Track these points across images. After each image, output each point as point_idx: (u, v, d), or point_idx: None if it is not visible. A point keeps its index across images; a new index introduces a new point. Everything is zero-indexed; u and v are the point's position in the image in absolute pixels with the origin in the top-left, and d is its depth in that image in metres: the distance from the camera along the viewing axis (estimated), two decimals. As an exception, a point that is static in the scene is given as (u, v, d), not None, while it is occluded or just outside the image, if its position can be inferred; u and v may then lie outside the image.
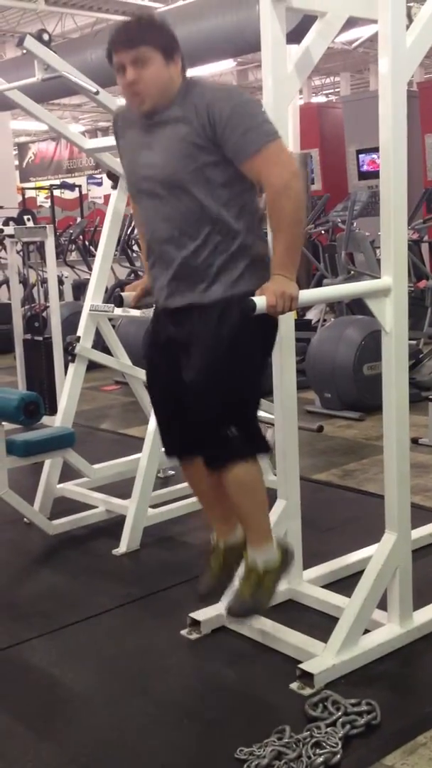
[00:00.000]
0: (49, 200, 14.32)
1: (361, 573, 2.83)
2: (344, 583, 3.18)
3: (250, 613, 2.68)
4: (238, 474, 2.52)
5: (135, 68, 2.33)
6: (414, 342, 6.31)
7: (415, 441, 4.77)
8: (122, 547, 3.78)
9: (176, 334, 2.56)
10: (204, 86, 2.41)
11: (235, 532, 2.76)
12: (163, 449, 2.86)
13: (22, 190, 16.23)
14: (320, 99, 21.88)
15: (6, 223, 6.57)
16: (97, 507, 4.18)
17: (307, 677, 2.60)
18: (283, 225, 2.36)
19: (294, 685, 2.61)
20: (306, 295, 2.64)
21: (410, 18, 2.69)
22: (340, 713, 2.41)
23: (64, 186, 13.69)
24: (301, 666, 2.64)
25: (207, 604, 2.89)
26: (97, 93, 3.50)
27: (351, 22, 3.09)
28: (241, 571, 2.71)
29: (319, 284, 7.59)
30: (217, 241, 2.44)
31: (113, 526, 3.99)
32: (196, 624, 2.99)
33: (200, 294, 2.46)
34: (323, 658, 2.66)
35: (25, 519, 4.00)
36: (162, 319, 2.63)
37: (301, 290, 2.40)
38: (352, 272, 7.15)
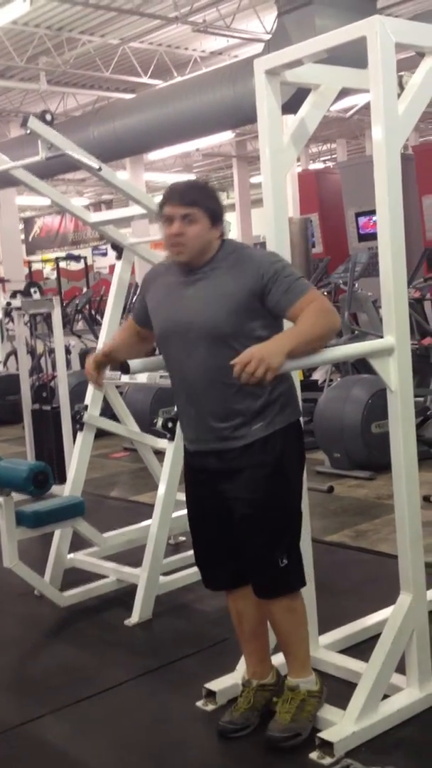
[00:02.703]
0: (55, 272, 14.55)
1: (377, 636, 2.78)
2: (361, 647, 3.12)
3: (292, 738, 2.62)
4: (288, 604, 2.66)
5: (182, 223, 2.51)
6: (421, 399, 6.31)
7: (427, 499, 4.73)
8: (134, 617, 3.73)
9: (218, 467, 2.63)
10: (248, 250, 2.63)
11: (269, 674, 2.81)
12: (205, 584, 2.87)
13: (29, 263, 16.52)
14: (318, 165, 22.35)
15: (13, 295, 6.68)
16: (108, 576, 4.13)
17: (326, 746, 2.53)
18: (314, 329, 2.40)
19: (314, 755, 2.54)
20: (311, 356, 2.65)
21: (401, 86, 2.77)
22: (362, 783, 2.34)
23: (69, 257, 13.92)
24: (320, 735, 2.58)
25: (229, 739, 2.73)
26: (99, 169, 3.59)
27: (345, 92, 3.18)
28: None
29: (324, 345, 7.63)
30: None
31: (125, 595, 3.95)
32: (211, 695, 2.93)
33: (243, 436, 2.56)
34: (342, 726, 2.60)
35: (35, 591, 3.96)
36: (200, 457, 2.68)
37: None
38: (356, 332, 7.20)
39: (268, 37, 10.74)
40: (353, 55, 2.90)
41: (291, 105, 3.24)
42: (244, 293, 2.48)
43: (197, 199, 2.53)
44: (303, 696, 2.67)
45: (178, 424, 2.78)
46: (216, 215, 2.56)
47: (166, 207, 2.55)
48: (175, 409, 2.79)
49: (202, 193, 2.56)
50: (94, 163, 3.53)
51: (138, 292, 2.94)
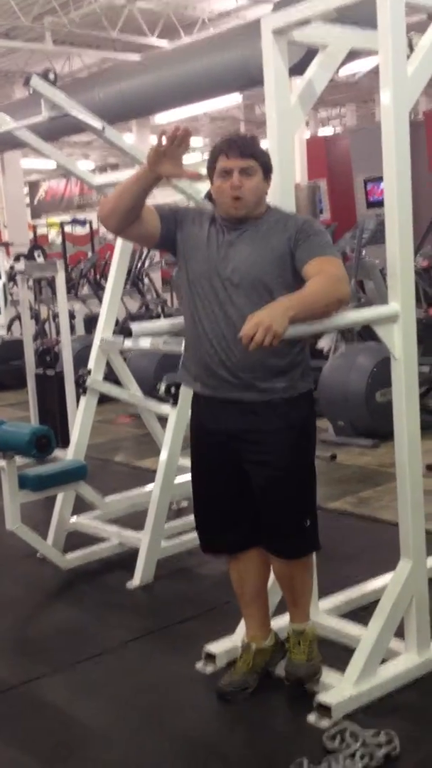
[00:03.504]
0: (60, 236, 14.45)
1: (377, 602, 2.80)
2: (361, 613, 3.15)
3: (313, 675, 2.72)
4: (307, 562, 2.76)
5: (241, 176, 2.52)
6: (425, 368, 6.28)
7: (429, 468, 4.73)
8: (136, 580, 3.76)
9: (237, 427, 2.61)
10: (290, 212, 2.72)
11: (268, 637, 2.85)
12: (205, 548, 2.88)
13: (34, 227, 16.41)
14: (327, 130, 22.08)
15: (17, 259, 6.65)
16: (110, 540, 4.16)
17: (324, 709, 2.56)
18: (320, 294, 2.38)
19: (311, 717, 2.58)
20: (315, 323, 2.63)
21: (411, 47, 2.72)
22: (358, 745, 2.37)
23: (75, 222, 13.79)
24: (318, 697, 2.60)
25: (228, 701, 2.77)
26: (103, 129, 3.55)
27: (353, 54, 3.12)
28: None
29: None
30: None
31: (127, 558, 3.98)
32: (211, 657, 2.96)
33: (267, 390, 2.56)
34: (341, 689, 2.62)
35: (38, 554, 3.99)
36: (215, 410, 2.65)
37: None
38: (362, 300, 7.15)
39: (277, -3, 10.54)
40: (363, 16, 2.84)
41: (299, 68, 3.18)
42: (285, 246, 2.52)
43: (255, 152, 2.54)
44: (310, 638, 2.77)
45: (190, 374, 2.68)
46: (268, 168, 2.59)
47: (222, 159, 2.53)
48: (187, 354, 2.72)
49: (256, 145, 2.58)
50: (98, 123, 3.49)
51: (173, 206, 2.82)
